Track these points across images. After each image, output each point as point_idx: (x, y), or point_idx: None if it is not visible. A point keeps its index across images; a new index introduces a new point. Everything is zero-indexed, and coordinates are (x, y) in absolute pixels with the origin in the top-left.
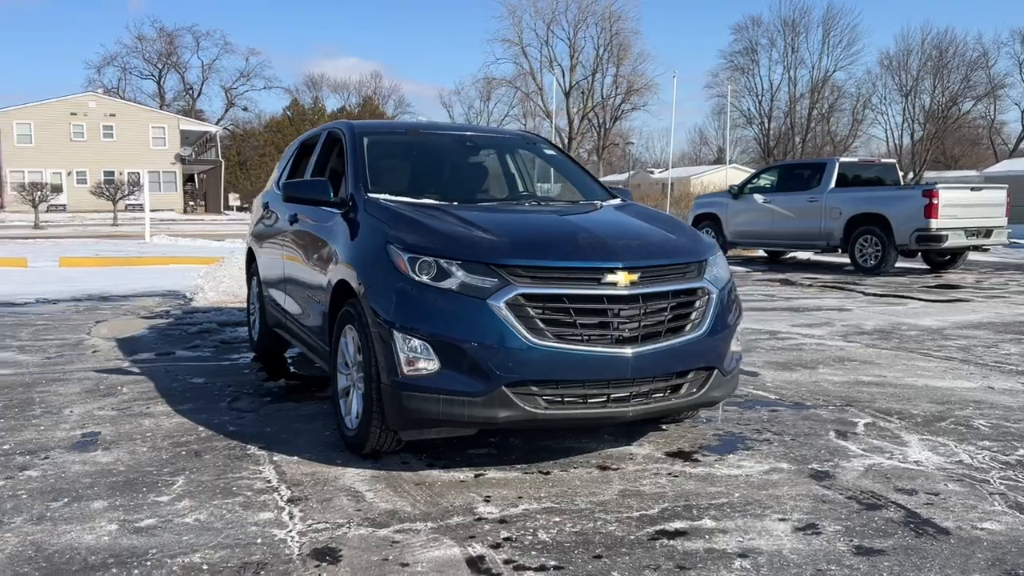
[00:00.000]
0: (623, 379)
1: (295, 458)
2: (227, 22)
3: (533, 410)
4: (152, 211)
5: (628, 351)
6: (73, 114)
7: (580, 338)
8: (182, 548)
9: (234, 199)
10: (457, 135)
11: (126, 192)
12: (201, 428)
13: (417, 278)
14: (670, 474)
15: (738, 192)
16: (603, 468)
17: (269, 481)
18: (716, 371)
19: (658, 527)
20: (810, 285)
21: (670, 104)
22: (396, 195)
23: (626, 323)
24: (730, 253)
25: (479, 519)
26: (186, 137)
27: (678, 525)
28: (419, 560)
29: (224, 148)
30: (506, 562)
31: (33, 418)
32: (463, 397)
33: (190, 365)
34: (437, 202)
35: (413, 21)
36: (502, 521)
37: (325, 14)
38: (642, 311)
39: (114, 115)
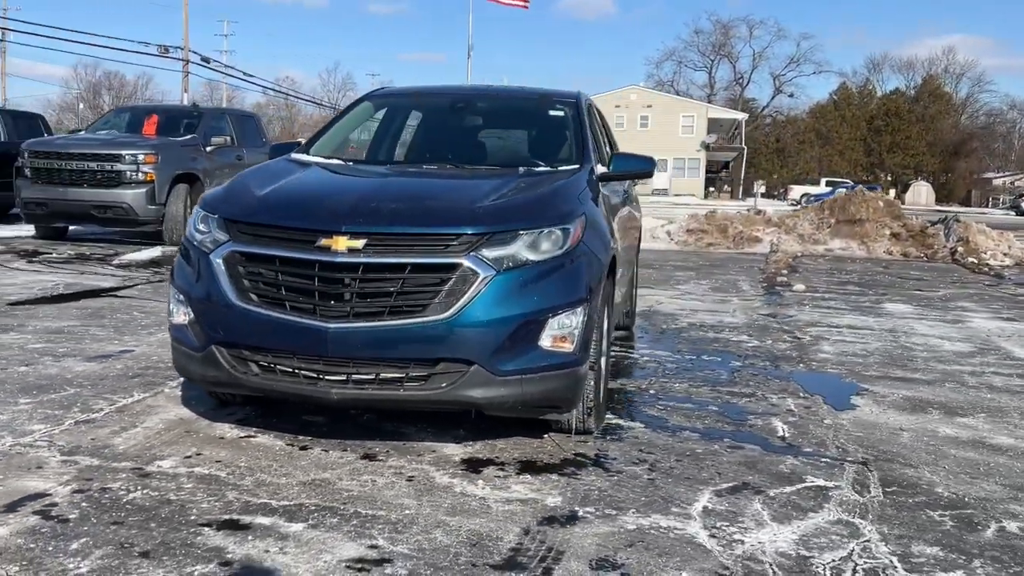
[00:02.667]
0: (327, 356)
1: (172, 395)
2: (780, 9)
3: (239, 375)
4: (675, 195)
5: (330, 325)
6: (617, 106)
7: (284, 304)
8: None
9: (759, 186)
10: (463, 97)
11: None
12: None
13: (192, 231)
14: (409, 479)
15: None
16: (365, 457)
17: (113, 404)
18: (476, 367)
19: (236, 517)
20: None
21: None
22: (343, 158)
23: (335, 293)
24: None
25: (136, 469)
26: (719, 125)
27: (263, 521)
28: (8, 486)
29: (763, 135)
30: (47, 506)
31: (127, 334)
32: (191, 351)
33: None
34: (340, 162)
35: None
36: (145, 475)
37: None
38: (358, 282)
39: (650, 106)
